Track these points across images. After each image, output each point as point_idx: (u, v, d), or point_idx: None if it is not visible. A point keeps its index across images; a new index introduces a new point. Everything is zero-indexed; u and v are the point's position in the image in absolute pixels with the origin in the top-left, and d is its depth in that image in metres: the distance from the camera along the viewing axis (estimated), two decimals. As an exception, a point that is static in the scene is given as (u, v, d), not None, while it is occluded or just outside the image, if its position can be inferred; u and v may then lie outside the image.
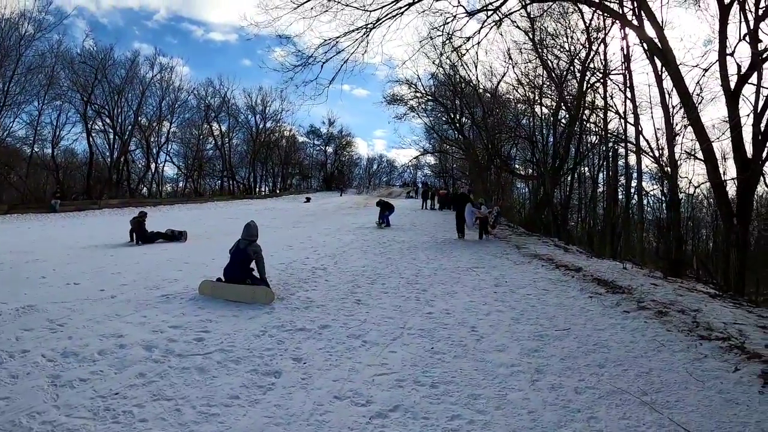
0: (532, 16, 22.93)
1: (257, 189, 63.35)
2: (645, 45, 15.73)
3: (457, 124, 36.50)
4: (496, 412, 4.52)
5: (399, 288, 9.71)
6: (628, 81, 20.45)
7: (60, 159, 43.30)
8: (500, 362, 5.68)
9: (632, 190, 26.58)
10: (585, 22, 22.56)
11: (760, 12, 13.80)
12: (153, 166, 51.47)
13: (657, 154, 18.30)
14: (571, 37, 24.68)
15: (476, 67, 30.23)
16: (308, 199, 47.78)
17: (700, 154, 14.80)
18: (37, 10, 36.60)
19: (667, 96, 16.39)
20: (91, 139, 43.08)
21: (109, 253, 13.34)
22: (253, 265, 8.67)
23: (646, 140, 19.23)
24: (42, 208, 29.73)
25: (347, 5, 16.61)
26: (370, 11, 16.59)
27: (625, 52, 20.03)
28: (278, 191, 62.89)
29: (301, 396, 4.78)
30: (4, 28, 34.22)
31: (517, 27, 23.99)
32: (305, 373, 5.33)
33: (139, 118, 47.65)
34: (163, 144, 52.12)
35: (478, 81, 31.80)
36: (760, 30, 13.83)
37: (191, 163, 55.89)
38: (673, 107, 17.42)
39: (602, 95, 24.64)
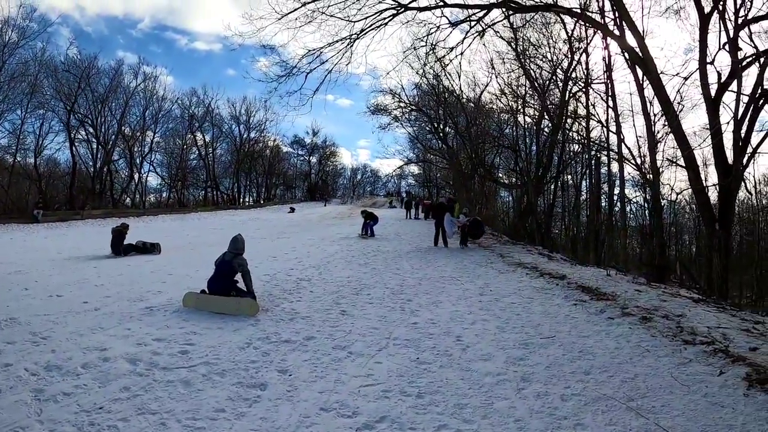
0: (514, 26, 23.10)
1: (241, 199, 63.21)
2: (626, 54, 15.90)
3: (441, 134, 36.67)
4: (483, 421, 4.52)
5: (384, 298, 9.69)
6: (610, 90, 20.57)
7: (42, 168, 42.94)
8: (486, 371, 5.69)
9: (615, 198, 26.78)
10: (567, 32, 22.75)
11: (740, 21, 14.02)
12: (136, 176, 51.47)
13: (639, 162, 18.51)
14: (554, 47, 24.87)
15: (459, 77, 30.54)
16: (292, 210, 47.55)
17: (681, 161, 15.01)
18: (21, 17, 36.48)
19: (648, 104, 16.57)
20: (74, 148, 42.91)
21: (92, 264, 13.23)
22: (238, 277, 8.63)
23: (629, 148, 19.50)
24: (24, 219, 29.52)
25: (331, 16, 16.67)
26: (354, 22, 16.69)
27: (607, 62, 20.16)
28: (262, 201, 62.72)
29: (287, 408, 4.75)
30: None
31: (500, 37, 24.18)
32: (291, 385, 5.31)
33: (123, 128, 47.60)
34: (146, 154, 52.15)
35: (462, 91, 31.91)
36: (739, 38, 14.06)
37: (175, 174, 55.74)
38: (655, 115, 17.59)
39: (584, 104, 24.76)
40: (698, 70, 14.42)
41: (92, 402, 4.72)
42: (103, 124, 45.51)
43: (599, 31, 18.44)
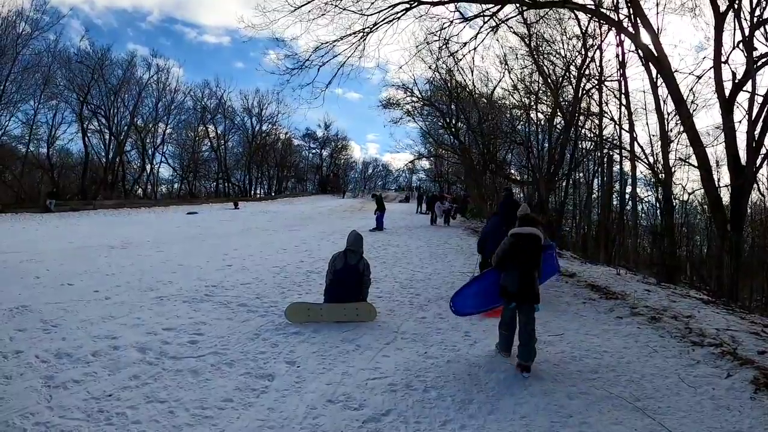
0: (528, 21, 22.91)
1: (252, 191, 63.28)
2: (640, 52, 15.79)
3: (453, 129, 36.45)
4: (489, 417, 4.54)
5: (393, 292, 9.73)
6: (623, 87, 20.45)
7: (55, 159, 43.13)
8: (493, 367, 5.70)
9: (627, 196, 26.65)
10: (581, 29, 22.56)
11: (755, 20, 13.88)
12: (148, 167, 51.49)
13: (651, 161, 18.41)
14: (567, 44, 24.69)
15: (472, 72, 30.20)
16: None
17: (694, 161, 14.87)
18: (34, 9, 36.64)
19: (662, 102, 16.46)
20: (86, 139, 43.02)
21: (104, 254, 13.31)
22: None
23: (641, 146, 19.41)
24: (36, 208, 29.65)
25: (344, 9, 16.59)
26: (367, 15, 16.60)
27: (621, 59, 20.03)
28: (273, 194, 62.74)
29: (294, 400, 4.79)
30: (1, 26, 34.20)
31: (514, 33, 24.00)
32: (299, 376, 5.34)
33: (135, 119, 47.65)
34: (158, 145, 52.19)
35: (474, 86, 31.68)
36: (754, 38, 13.92)
37: (187, 165, 55.89)
38: (668, 114, 17.46)
39: (597, 101, 24.60)
40: (712, 69, 14.30)
41: (102, 389, 4.78)
42: (116, 115, 45.66)
43: (613, 28, 18.32)
